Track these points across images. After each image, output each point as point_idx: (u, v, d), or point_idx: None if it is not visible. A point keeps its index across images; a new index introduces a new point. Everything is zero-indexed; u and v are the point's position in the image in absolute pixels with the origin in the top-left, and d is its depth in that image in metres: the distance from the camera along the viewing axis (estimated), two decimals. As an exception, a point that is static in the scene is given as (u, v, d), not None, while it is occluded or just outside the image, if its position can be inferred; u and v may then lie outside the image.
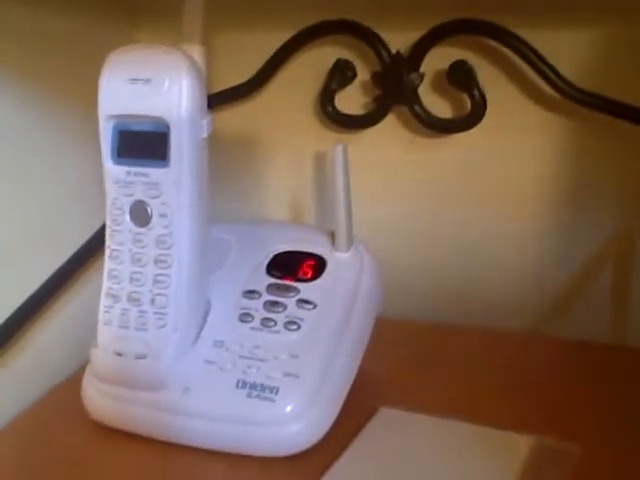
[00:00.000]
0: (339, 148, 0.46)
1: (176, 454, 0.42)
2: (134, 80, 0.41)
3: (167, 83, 0.41)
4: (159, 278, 0.43)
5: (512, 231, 0.60)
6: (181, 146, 0.42)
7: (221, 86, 0.61)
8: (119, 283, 0.44)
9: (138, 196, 0.43)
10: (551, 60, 0.53)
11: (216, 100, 0.61)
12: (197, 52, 0.46)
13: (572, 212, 0.58)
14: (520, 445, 0.41)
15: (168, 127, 0.41)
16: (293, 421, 0.41)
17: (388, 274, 0.50)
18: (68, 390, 0.48)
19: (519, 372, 0.51)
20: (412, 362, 0.53)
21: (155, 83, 0.41)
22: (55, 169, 0.55)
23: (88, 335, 0.44)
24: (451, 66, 0.55)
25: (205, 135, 0.43)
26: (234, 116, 0.63)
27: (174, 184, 0.42)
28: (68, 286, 0.56)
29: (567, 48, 0.54)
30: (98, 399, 0.44)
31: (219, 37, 0.61)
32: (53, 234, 0.55)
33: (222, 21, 0.60)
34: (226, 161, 0.64)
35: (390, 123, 0.59)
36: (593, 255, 0.58)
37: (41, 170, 0.54)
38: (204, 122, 0.43)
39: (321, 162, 0.61)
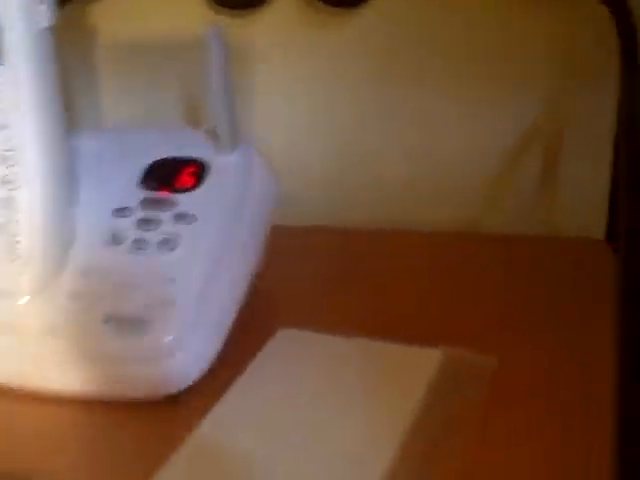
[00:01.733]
0: (213, 30, 0.39)
1: (40, 404, 0.36)
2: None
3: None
4: (7, 201, 0.37)
5: (431, 112, 0.54)
6: (15, 38, 0.35)
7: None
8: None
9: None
10: None
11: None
12: None
13: (495, 88, 0.52)
14: (430, 360, 0.36)
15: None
16: (170, 355, 0.35)
17: (290, 175, 0.44)
18: None
19: (436, 278, 0.46)
20: (316, 275, 0.47)
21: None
22: None
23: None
24: None
25: (46, 24, 0.36)
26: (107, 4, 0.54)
27: (11, 86, 0.35)
28: None
29: None
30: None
31: None
32: None
33: None
34: (100, 56, 0.56)
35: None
36: (520, 138, 0.53)
37: None
38: (42, 8, 0.36)
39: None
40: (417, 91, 0.53)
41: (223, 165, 0.41)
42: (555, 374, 0.36)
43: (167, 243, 0.37)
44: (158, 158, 0.41)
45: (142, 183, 0.40)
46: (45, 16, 0.36)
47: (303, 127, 0.56)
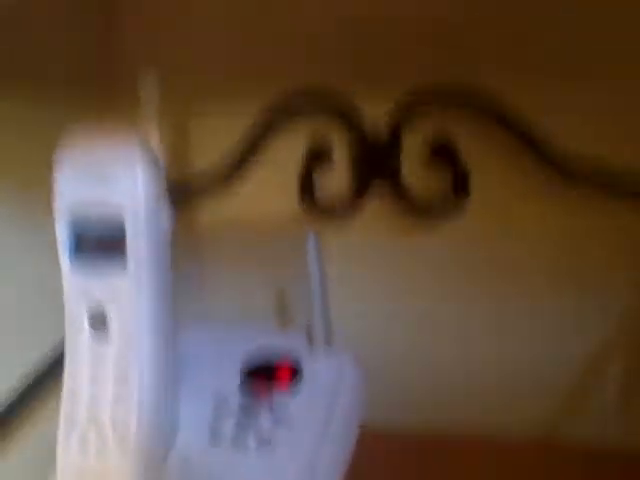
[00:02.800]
0: (311, 236, 0.42)
1: None
2: (87, 175, 0.38)
3: (120, 176, 0.37)
4: (121, 400, 0.38)
5: (512, 323, 0.55)
6: (139, 244, 0.38)
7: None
8: (77, 405, 0.39)
9: (97, 302, 0.38)
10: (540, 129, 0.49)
11: (195, 188, 0.58)
12: (154, 137, 0.43)
13: (575, 299, 0.53)
14: None
15: (124, 223, 0.37)
16: None
17: (378, 379, 0.45)
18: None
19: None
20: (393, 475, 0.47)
21: (107, 176, 0.37)
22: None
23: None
24: (433, 149, 0.52)
25: (165, 230, 0.39)
26: (212, 207, 0.59)
27: (134, 286, 0.38)
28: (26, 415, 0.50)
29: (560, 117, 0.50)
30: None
31: (193, 120, 0.57)
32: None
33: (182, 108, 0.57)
34: (207, 254, 0.59)
35: (372, 209, 0.55)
36: (601, 346, 0.53)
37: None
38: (163, 216, 0.39)
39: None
40: (500, 304, 0.55)
41: (317, 367, 0.43)
42: None
43: (263, 444, 0.39)
44: (257, 360, 0.43)
45: (241, 384, 0.42)
46: (164, 223, 0.39)
47: (390, 331, 0.57)
